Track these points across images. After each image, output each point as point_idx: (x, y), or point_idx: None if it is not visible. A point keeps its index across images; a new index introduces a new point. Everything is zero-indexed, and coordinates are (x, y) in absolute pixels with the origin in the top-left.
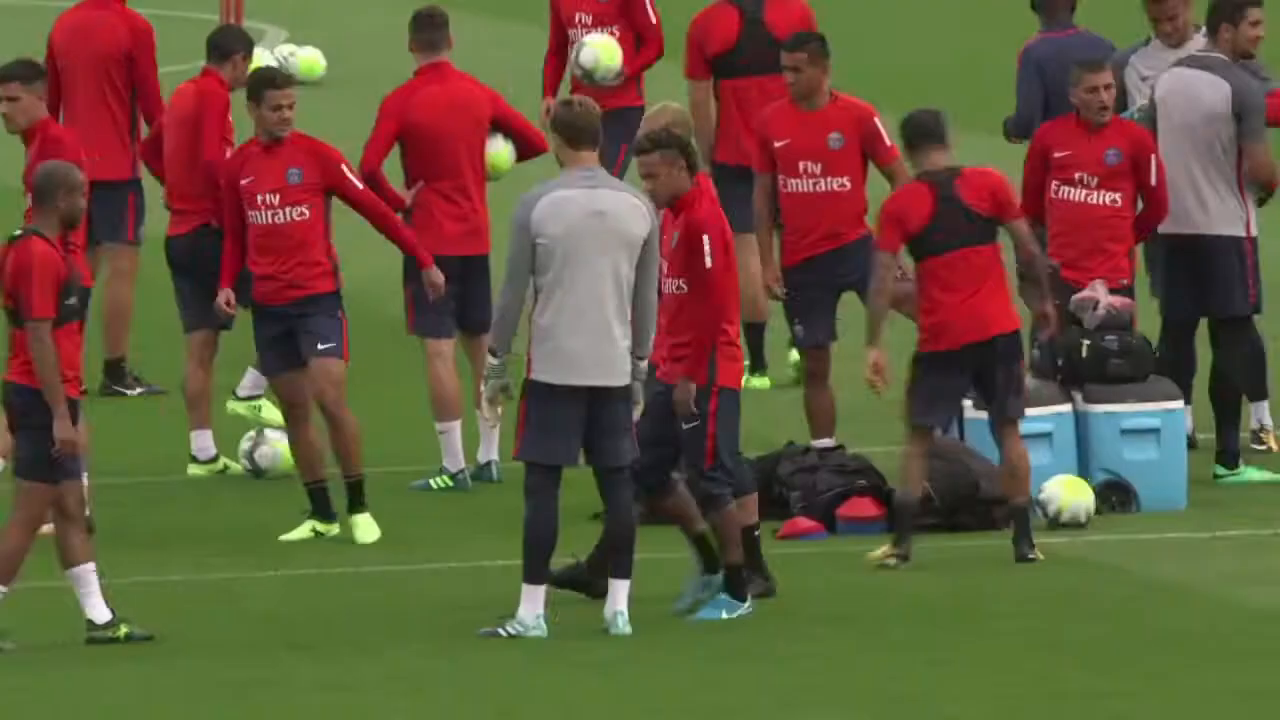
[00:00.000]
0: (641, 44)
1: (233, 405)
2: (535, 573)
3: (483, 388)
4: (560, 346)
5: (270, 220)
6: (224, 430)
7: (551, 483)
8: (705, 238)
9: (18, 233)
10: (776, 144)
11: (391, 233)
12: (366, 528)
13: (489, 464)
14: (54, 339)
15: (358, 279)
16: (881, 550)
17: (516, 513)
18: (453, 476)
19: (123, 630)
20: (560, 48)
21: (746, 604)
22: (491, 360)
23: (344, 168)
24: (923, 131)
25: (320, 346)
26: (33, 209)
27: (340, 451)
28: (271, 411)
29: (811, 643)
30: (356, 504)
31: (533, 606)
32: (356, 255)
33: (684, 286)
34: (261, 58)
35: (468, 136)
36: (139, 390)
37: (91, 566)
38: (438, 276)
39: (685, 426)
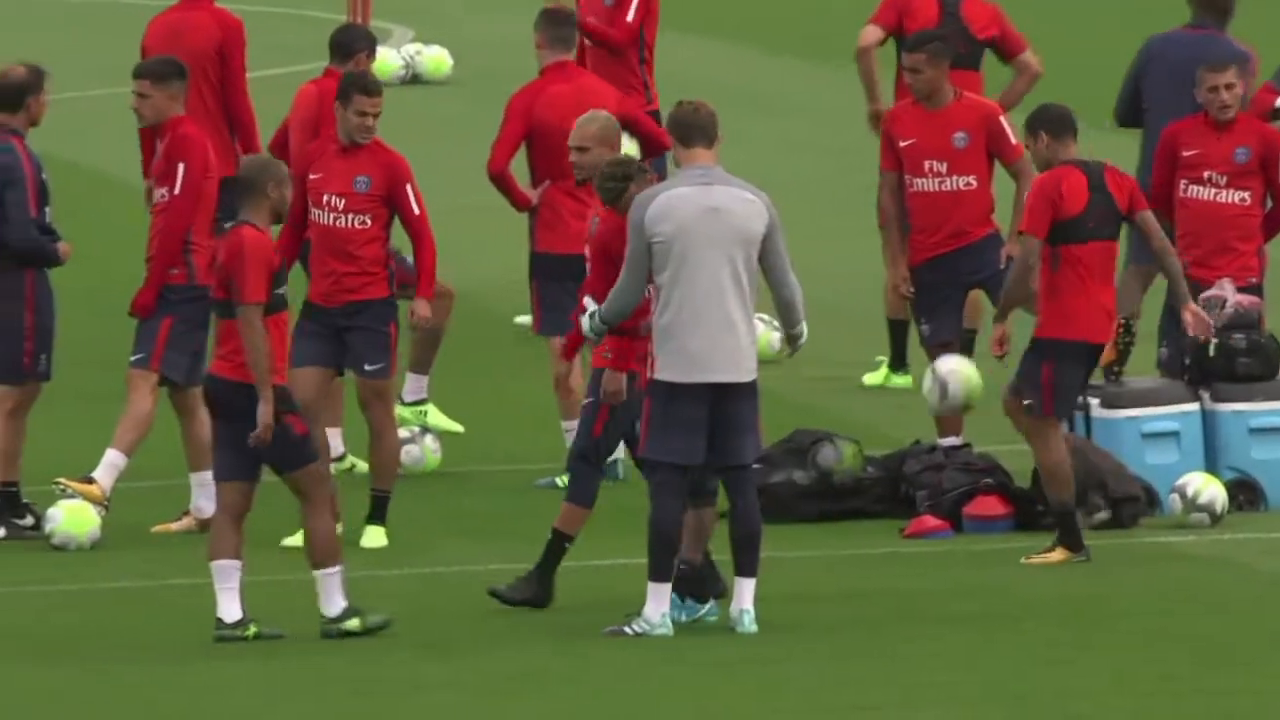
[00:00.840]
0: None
1: (399, 411)
2: (661, 571)
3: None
4: (682, 345)
5: (331, 222)
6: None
7: (676, 481)
8: None
9: (228, 226)
10: (902, 143)
11: (422, 259)
12: (375, 536)
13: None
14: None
15: (480, 278)
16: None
17: (639, 511)
18: None
19: (252, 630)
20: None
21: (708, 606)
22: (594, 323)
23: (408, 187)
24: (1067, 122)
25: (368, 368)
26: (242, 200)
27: (376, 463)
28: (437, 416)
29: (936, 641)
30: (377, 517)
31: (659, 605)
32: (478, 254)
33: None
34: (388, 57)
35: None
36: None
37: (237, 564)
38: (423, 309)
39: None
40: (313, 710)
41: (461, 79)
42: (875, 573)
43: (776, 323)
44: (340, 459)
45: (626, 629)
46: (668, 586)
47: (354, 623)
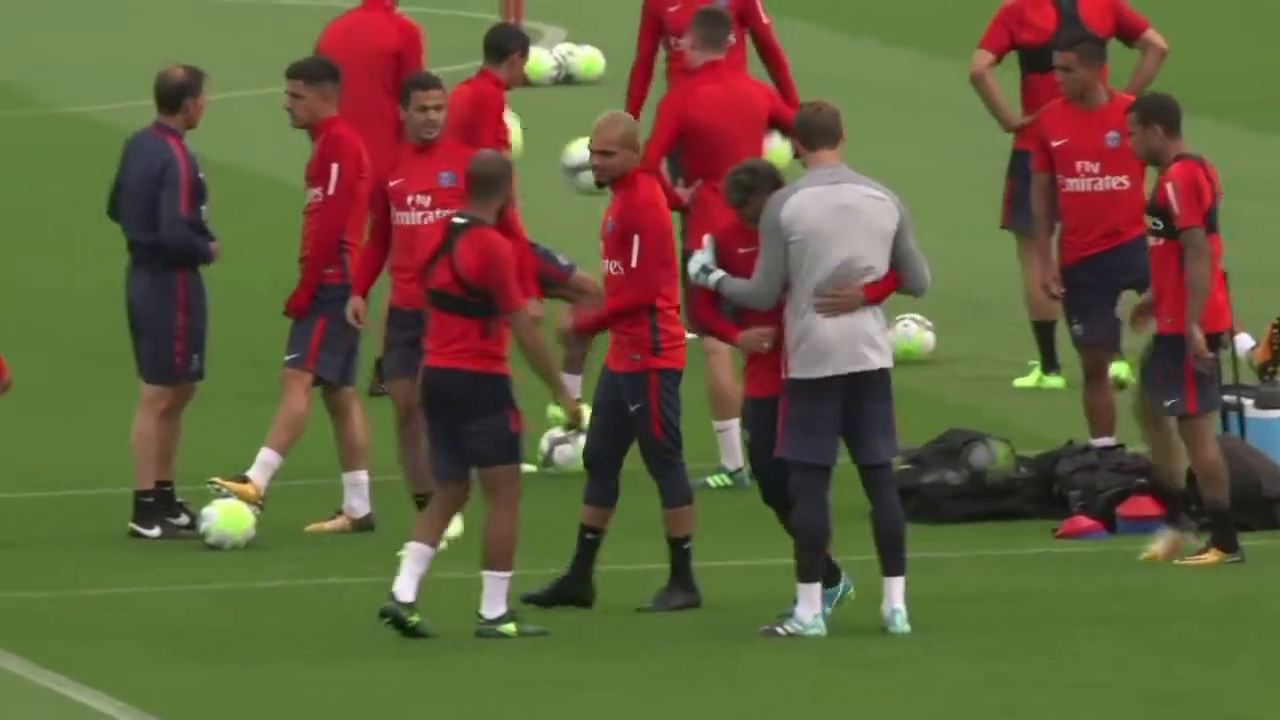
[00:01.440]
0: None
1: (553, 410)
2: (810, 572)
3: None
4: (816, 343)
5: (420, 221)
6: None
7: (818, 480)
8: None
9: (459, 220)
10: (1054, 143)
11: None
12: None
13: (739, 471)
14: (503, 325)
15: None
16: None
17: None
18: (731, 474)
19: (415, 618)
20: (650, 57)
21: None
22: (709, 280)
23: None
24: (1180, 116)
25: None
26: (472, 198)
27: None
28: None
29: (1090, 642)
30: None
31: (811, 606)
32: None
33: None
34: (541, 57)
35: (746, 134)
36: None
37: (432, 551)
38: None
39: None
40: (466, 709)
41: (614, 79)
42: (1028, 573)
43: (930, 323)
44: None
45: (779, 629)
46: (818, 587)
47: (510, 628)
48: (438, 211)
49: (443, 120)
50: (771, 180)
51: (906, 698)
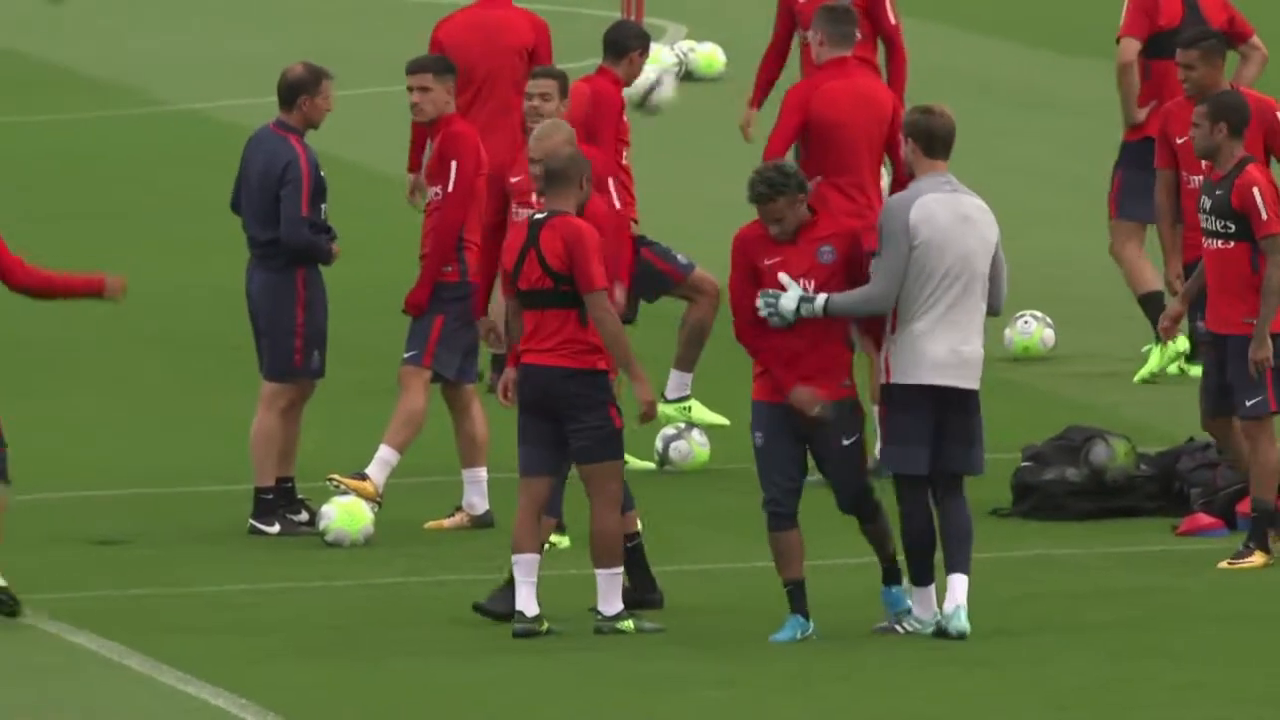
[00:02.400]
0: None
1: (662, 409)
2: (920, 575)
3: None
4: (923, 350)
5: None
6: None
7: (916, 488)
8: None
9: (539, 216)
10: (1177, 140)
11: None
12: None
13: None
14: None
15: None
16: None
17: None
18: None
19: (545, 625)
20: (783, 46)
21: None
22: (816, 306)
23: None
24: (1248, 118)
25: None
26: (549, 192)
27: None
28: (701, 411)
29: (1211, 640)
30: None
31: (925, 609)
32: (711, 251)
33: None
34: (661, 54)
35: (869, 133)
36: None
37: (538, 558)
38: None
39: (845, 442)
40: (586, 707)
41: (734, 75)
42: (1148, 571)
43: (1049, 319)
44: None
45: (897, 627)
46: (930, 589)
47: (628, 624)
48: None
49: (551, 112)
50: (799, 184)
51: (1024, 695)
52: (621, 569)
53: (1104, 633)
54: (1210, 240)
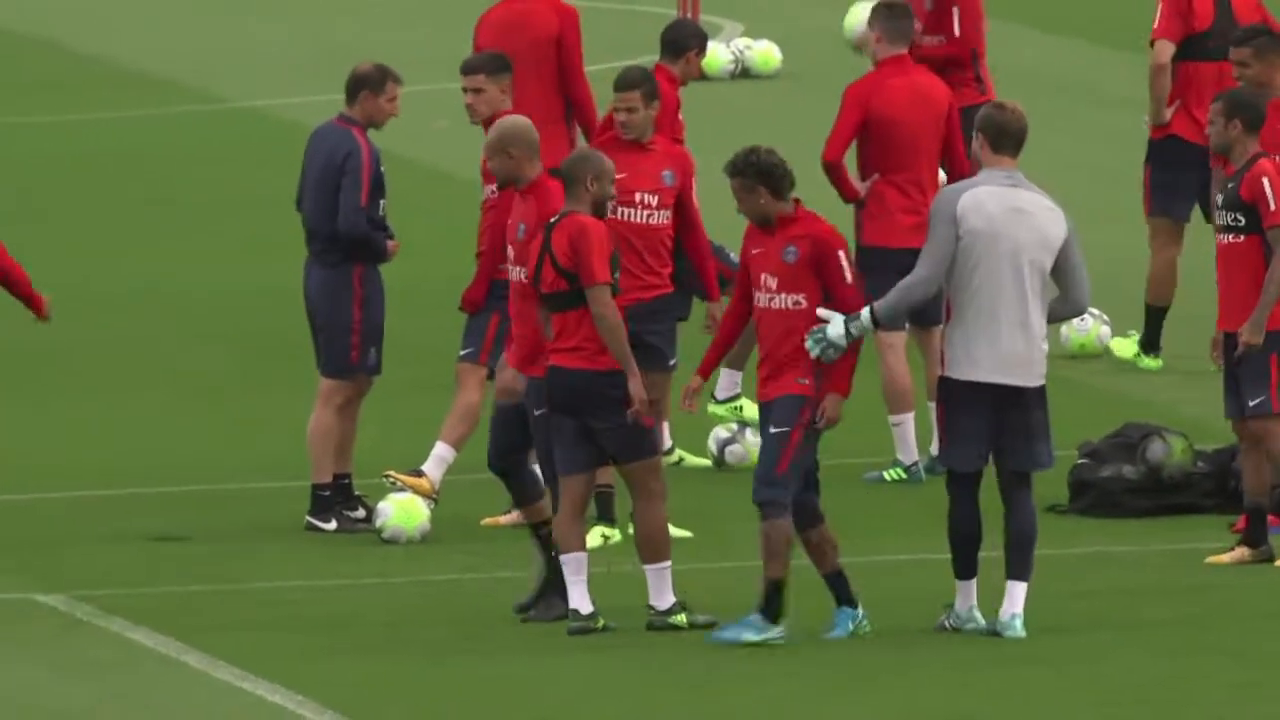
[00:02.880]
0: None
1: (713, 409)
2: (963, 570)
3: (809, 343)
4: (974, 343)
5: (646, 220)
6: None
7: (966, 484)
8: (840, 254)
9: (553, 220)
10: None
11: (696, 258)
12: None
13: (915, 465)
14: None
15: None
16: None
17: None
18: (906, 469)
19: (601, 622)
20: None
21: (778, 628)
22: (862, 321)
23: (693, 180)
24: (1262, 119)
25: (670, 363)
26: (564, 192)
27: None
28: (753, 409)
29: (1270, 637)
30: (605, 517)
31: (964, 600)
32: None
33: (802, 301)
34: (718, 52)
35: (928, 131)
36: None
37: (586, 555)
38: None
39: (773, 430)
40: (642, 703)
41: (790, 73)
42: (1205, 568)
43: (1106, 316)
44: (669, 452)
45: (945, 623)
46: (971, 583)
47: (681, 618)
48: (661, 212)
49: (640, 121)
50: (758, 174)
51: (1081, 693)
52: (669, 562)
53: (1161, 630)
54: (1222, 235)
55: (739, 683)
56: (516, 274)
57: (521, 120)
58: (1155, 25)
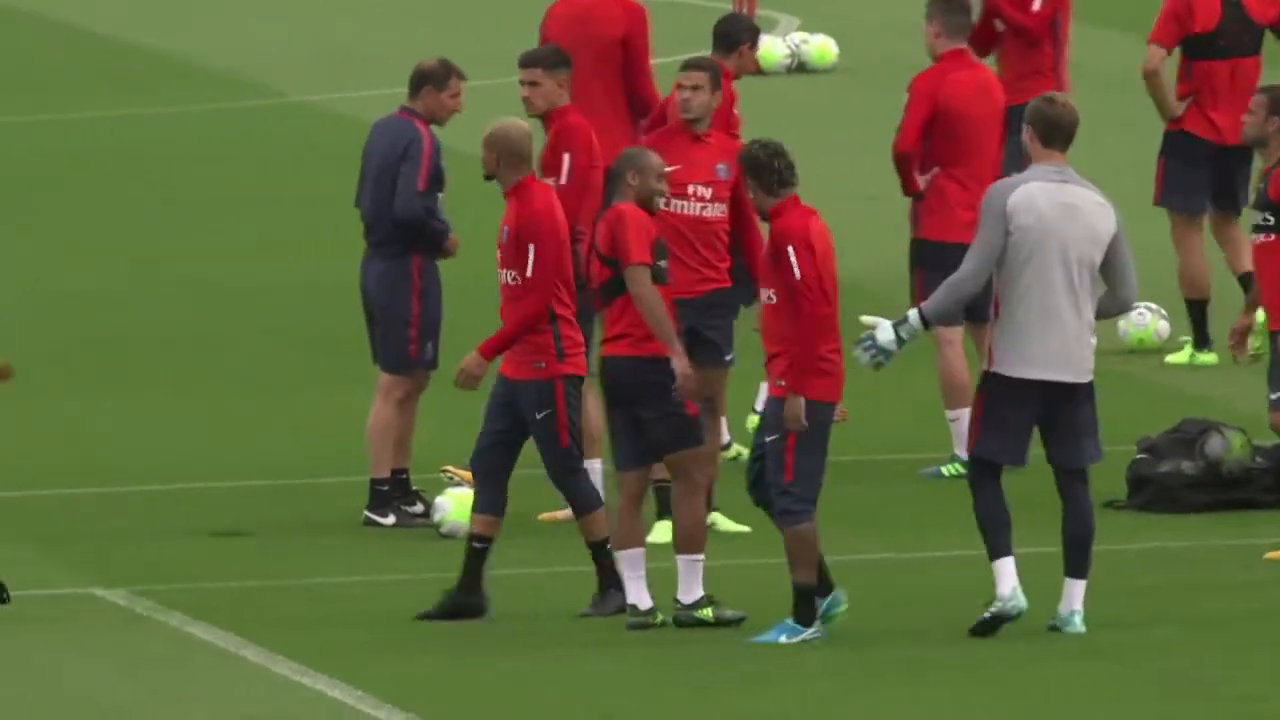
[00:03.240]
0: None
1: (754, 421)
2: (996, 551)
3: (857, 351)
4: (1024, 340)
5: (699, 213)
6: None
7: (991, 476)
8: (790, 248)
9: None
10: None
11: (747, 254)
12: (663, 530)
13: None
14: None
15: (857, 269)
16: None
17: (1024, 500)
18: (964, 464)
19: (660, 617)
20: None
21: (813, 629)
22: (911, 323)
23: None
24: None
25: (727, 358)
26: (609, 190)
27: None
28: None
29: None
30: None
31: (1006, 582)
32: (855, 245)
33: (773, 297)
34: (773, 46)
35: (989, 125)
36: None
37: (644, 551)
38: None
39: (768, 439)
40: (697, 697)
41: (847, 67)
42: (1264, 564)
43: (1164, 311)
44: (726, 447)
45: (988, 613)
46: (1010, 561)
47: (707, 612)
48: (716, 205)
49: (702, 104)
50: (749, 167)
51: (1145, 687)
52: (703, 556)
53: (1224, 625)
54: (1254, 234)
55: (793, 676)
56: (502, 277)
57: (513, 124)
58: (1153, 29)
